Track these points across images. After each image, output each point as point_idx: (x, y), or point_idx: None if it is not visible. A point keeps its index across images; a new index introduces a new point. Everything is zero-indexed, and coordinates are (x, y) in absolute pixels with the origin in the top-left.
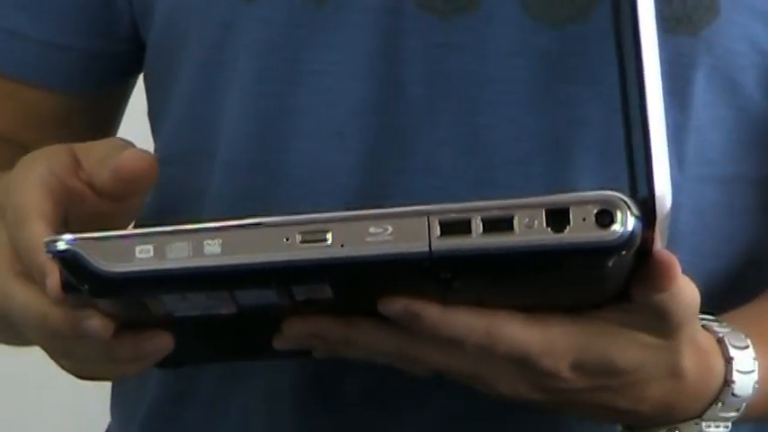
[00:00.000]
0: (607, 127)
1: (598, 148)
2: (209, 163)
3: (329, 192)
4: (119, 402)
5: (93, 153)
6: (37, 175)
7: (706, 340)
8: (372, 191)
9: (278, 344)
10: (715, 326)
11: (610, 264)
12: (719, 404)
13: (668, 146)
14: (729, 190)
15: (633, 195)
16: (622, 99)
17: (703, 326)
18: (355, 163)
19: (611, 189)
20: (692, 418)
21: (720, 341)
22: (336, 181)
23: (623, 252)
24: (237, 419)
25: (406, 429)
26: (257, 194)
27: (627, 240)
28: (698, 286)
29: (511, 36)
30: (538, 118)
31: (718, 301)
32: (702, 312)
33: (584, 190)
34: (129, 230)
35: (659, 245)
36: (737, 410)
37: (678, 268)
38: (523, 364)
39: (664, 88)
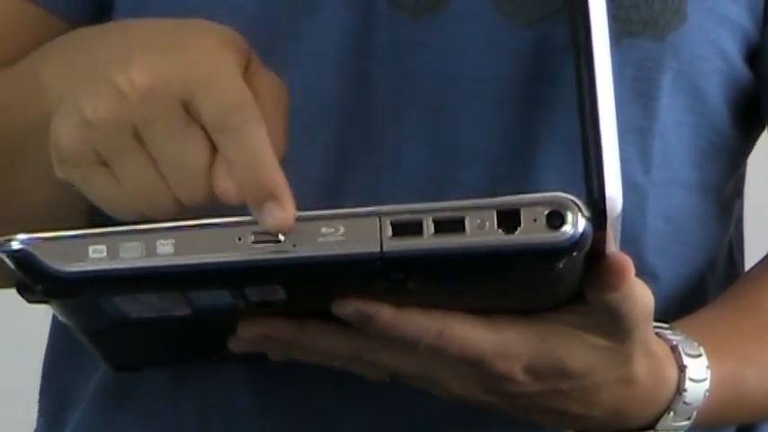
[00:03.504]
0: (574, 128)
1: (565, 148)
2: None
3: (293, 184)
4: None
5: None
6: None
7: (659, 348)
8: (337, 186)
9: (233, 346)
10: (669, 333)
11: (561, 265)
12: (671, 413)
13: (633, 150)
14: (695, 196)
15: (590, 196)
16: (579, 102)
17: (657, 333)
18: (321, 157)
19: (563, 191)
20: (644, 426)
21: (674, 349)
22: (301, 174)
23: (574, 253)
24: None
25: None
26: None
27: (577, 241)
28: (667, 291)
29: (481, 35)
30: (506, 117)
31: (680, 305)
32: (656, 320)
33: (538, 191)
34: (83, 230)
35: (612, 246)
36: (689, 419)
37: (631, 269)
38: (477, 366)
39: (630, 92)
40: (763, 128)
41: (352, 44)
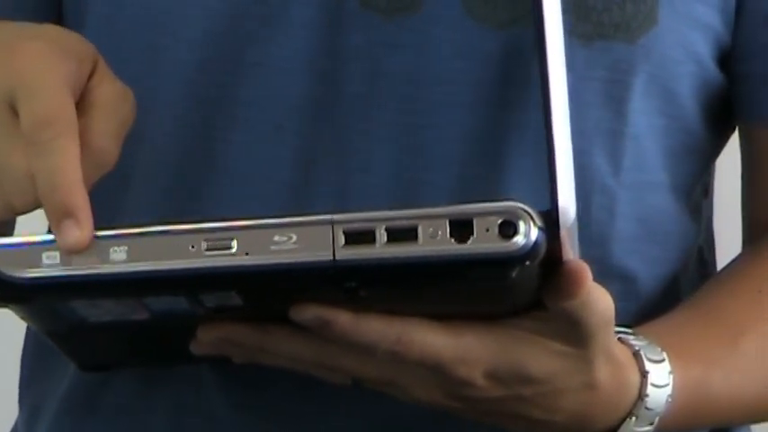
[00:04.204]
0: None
1: (535, 151)
2: (135, 144)
3: (263, 185)
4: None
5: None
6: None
7: (622, 353)
8: (308, 187)
9: (194, 349)
10: (631, 339)
11: (514, 274)
12: (633, 418)
13: (603, 152)
14: (667, 197)
15: (554, 203)
16: (544, 110)
17: (619, 339)
18: (292, 158)
19: (516, 200)
20: (606, 431)
21: (636, 354)
22: (272, 175)
23: (527, 263)
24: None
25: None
26: (186, 183)
27: (530, 251)
28: (643, 292)
29: (452, 37)
30: (476, 120)
31: (656, 306)
32: (618, 325)
33: (495, 200)
34: (36, 236)
35: (569, 253)
36: (651, 424)
37: (588, 276)
38: (437, 371)
39: (602, 95)
40: (734, 129)
41: (323, 45)
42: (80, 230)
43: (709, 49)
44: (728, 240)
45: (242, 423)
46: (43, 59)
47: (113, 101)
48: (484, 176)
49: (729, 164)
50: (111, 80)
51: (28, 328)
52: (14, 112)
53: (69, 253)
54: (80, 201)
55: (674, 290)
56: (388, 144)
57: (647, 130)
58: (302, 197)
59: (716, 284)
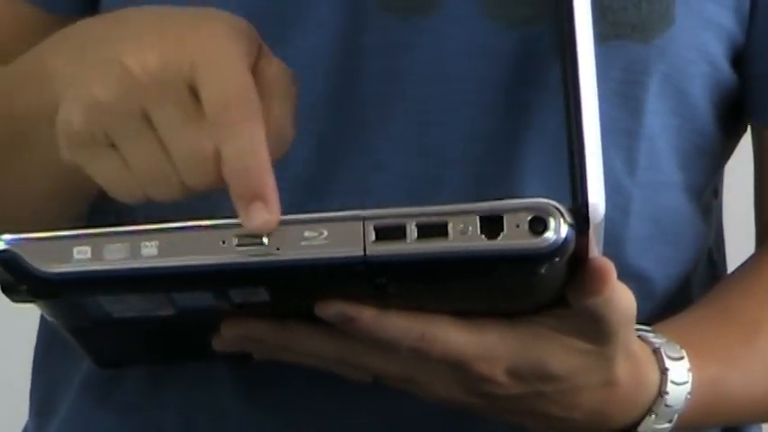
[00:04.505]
0: (561, 132)
1: (551, 152)
2: None
3: (278, 183)
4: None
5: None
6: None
7: (641, 350)
8: (323, 186)
9: (216, 345)
10: (651, 336)
11: (543, 270)
12: (653, 415)
13: (618, 152)
14: (680, 197)
15: (575, 202)
16: (565, 106)
17: (639, 336)
18: (307, 156)
19: (546, 197)
20: (625, 429)
21: (656, 352)
22: (286, 173)
23: (556, 259)
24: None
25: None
26: None
27: (559, 247)
28: (656, 292)
29: (468, 37)
30: (491, 120)
31: (669, 305)
32: (643, 322)
33: (522, 197)
34: (68, 231)
35: (594, 251)
36: (670, 421)
37: (613, 274)
38: (458, 368)
39: (616, 94)
40: (745, 129)
41: (340, 44)
42: (269, 213)
43: (723, 49)
44: (737, 241)
45: (256, 420)
46: (224, 40)
47: (286, 82)
48: (500, 176)
49: (739, 164)
50: (278, 61)
51: (42, 321)
52: (194, 92)
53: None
54: (269, 183)
55: (686, 290)
56: (405, 143)
57: (661, 131)
58: (318, 195)
59: (730, 284)
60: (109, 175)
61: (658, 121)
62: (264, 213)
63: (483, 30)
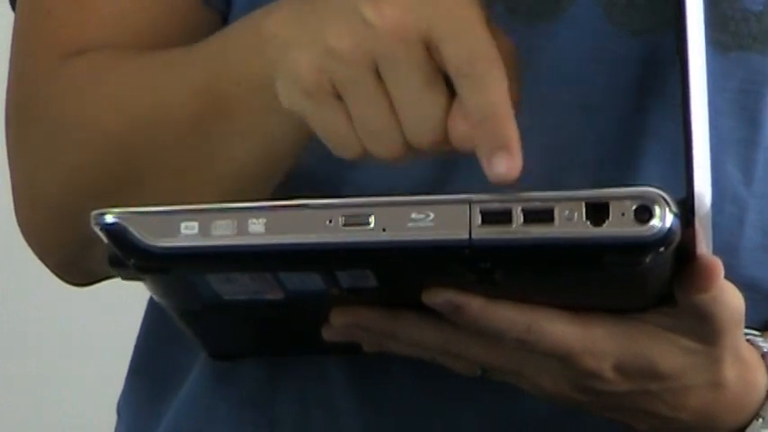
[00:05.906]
0: (680, 140)
1: (668, 159)
2: None
3: (402, 181)
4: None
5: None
6: None
7: (750, 354)
8: (445, 185)
9: (326, 334)
10: (760, 341)
11: (647, 260)
12: (760, 420)
13: (736, 161)
14: None
15: (690, 190)
16: (682, 111)
17: (748, 340)
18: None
19: (652, 186)
20: None
21: (765, 356)
22: (411, 172)
23: (661, 248)
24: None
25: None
26: (331, 176)
27: (664, 237)
28: (761, 301)
29: (592, 42)
30: (611, 124)
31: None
32: (747, 327)
33: (629, 185)
34: (176, 206)
35: (703, 247)
36: None
37: (721, 271)
38: (565, 362)
39: (735, 104)
40: None
41: None
42: (513, 161)
43: None
44: None
45: (365, 417)
46: (466, 2)
47: (508, 48)
48: (615, 181)
49: None
50: (498, 30)
51: (146, 314)
52: (428, 52)
53: (500, 183)
54: (514, 132)
55: None
56: (525, 145)
57: None
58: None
59: None
60: (331, 126)
61: None
62: (509, 161)
63: (606, 36)
